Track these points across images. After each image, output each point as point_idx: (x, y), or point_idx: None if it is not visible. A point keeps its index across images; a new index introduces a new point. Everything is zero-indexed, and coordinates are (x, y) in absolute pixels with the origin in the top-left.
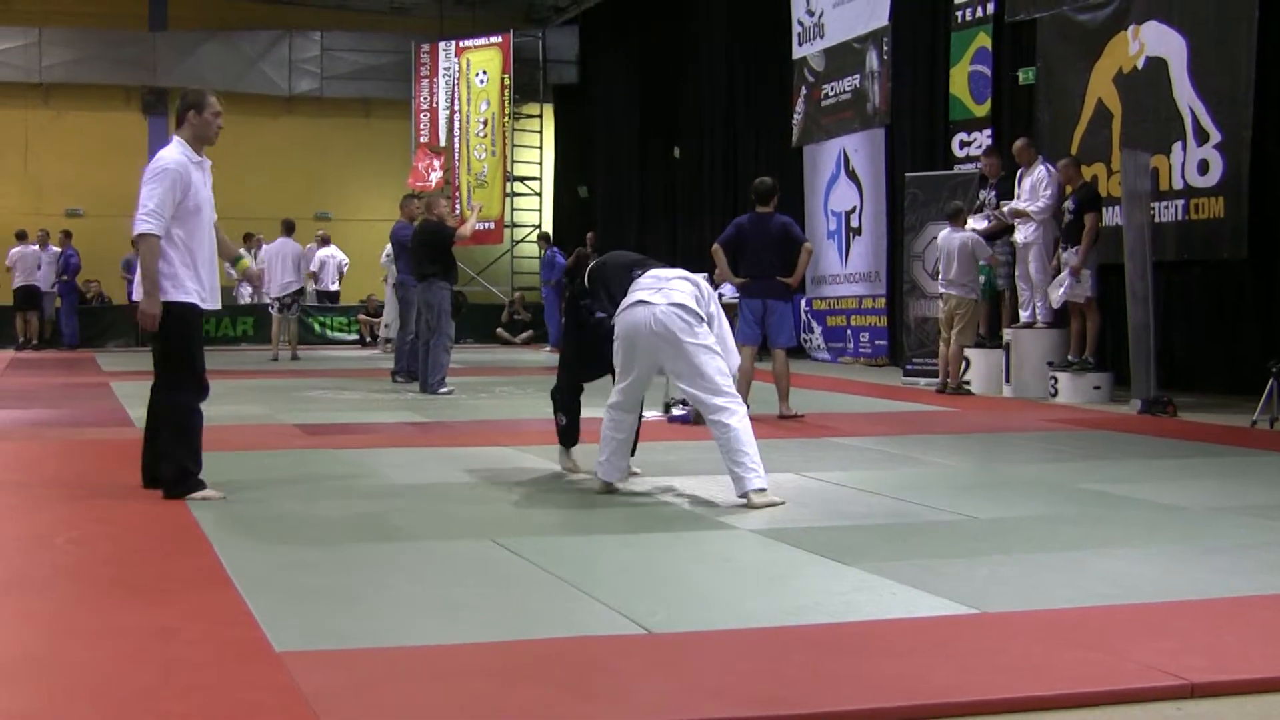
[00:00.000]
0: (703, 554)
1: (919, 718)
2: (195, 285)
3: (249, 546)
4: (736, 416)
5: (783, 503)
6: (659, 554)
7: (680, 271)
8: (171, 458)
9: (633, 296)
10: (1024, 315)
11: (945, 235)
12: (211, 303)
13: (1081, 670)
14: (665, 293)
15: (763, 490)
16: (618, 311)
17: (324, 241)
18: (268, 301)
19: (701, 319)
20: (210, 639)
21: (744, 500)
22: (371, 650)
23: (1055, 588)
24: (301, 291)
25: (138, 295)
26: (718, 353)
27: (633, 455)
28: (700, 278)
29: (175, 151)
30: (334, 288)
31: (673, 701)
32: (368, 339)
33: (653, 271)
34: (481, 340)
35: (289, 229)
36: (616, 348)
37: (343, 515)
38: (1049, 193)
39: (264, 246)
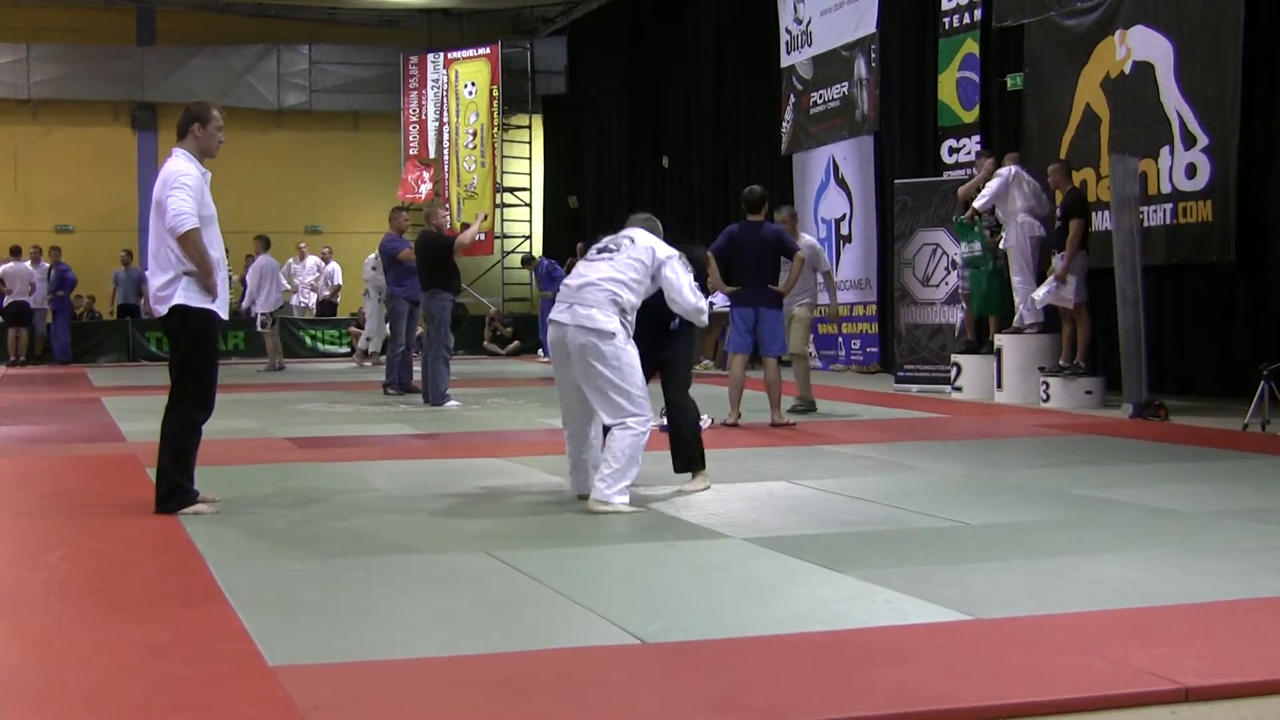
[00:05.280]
0: (696, 563)
1: None
2: (211, 294)
3: (242, 561)
4: (629, 431)
5: (636, 510)
6: (652, 564)
7: (606, 268)
8: (164, 473)
9: (552, 312)
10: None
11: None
12: (224, 312)
13: (1076, 676)
14: (574, 310)
15: (602, 504)
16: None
17: (303, 255)
18: (260, 318)
19: (613, 334)
20: (204, 655)
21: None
22: (366, 664)
23: (1049, 593)
24: (284, 306)
25: (156, 306)
26: (627, 366)
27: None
28: (653, 244)
29: (187, 164)
30: (335, 299)
31: (667, 712)
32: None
33: (575, 271)
34: (472, 352)
35: (266, 244)
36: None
37: (336, 529)
38: (991, 186)
39: (249, 265)
